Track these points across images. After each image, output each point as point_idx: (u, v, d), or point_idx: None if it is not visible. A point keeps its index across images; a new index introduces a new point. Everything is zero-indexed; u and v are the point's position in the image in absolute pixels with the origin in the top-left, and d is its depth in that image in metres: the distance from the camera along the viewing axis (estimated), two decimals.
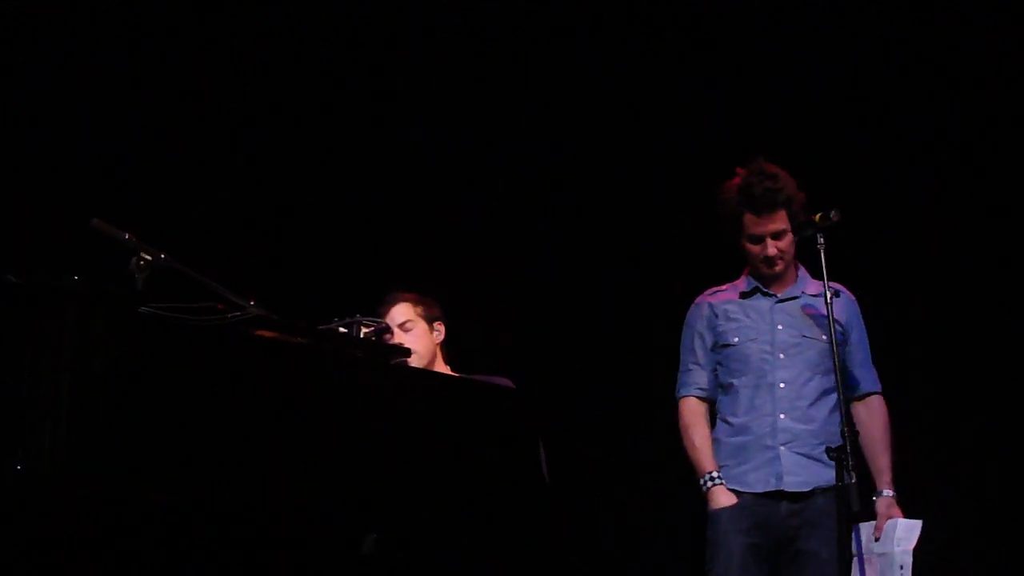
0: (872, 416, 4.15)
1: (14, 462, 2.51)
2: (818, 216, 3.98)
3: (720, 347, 4.20)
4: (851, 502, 3.65)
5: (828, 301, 3.92)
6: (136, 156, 5.27)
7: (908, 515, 4.01)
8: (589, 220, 5.60)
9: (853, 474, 3.65)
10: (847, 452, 3.68)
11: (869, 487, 4.05)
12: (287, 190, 5.49)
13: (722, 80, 5.52)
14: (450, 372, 4.27)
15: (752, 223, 4.11)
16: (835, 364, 3.88)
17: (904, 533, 3.93)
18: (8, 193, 4.97)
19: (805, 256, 4.19)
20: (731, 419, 4.16)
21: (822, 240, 3.95)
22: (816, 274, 4.06)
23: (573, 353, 5.50)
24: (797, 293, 4.19)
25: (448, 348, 4.36)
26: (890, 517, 3.98)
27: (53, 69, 5.24)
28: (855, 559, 3.91)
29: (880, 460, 4.09)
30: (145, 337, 2.73)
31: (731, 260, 4.37)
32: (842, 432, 3.75)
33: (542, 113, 5.65)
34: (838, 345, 4.00)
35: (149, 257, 2.98)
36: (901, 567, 3.91)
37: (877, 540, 3.96)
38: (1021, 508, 5.06)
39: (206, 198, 5.33)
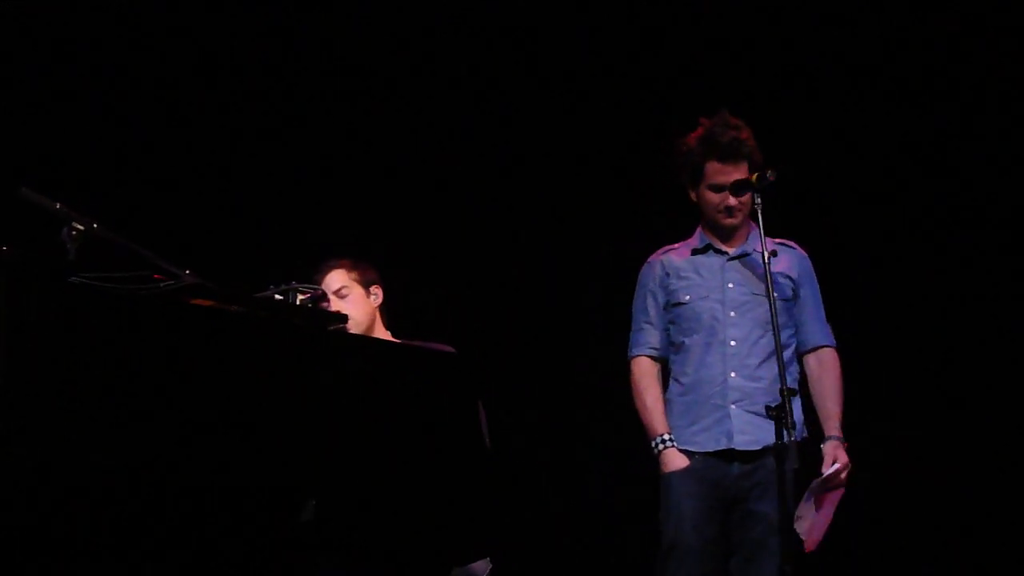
0: (824, 368, 4.17)
1: None
2: (755, 176, 4.00)
3: (672, 306, 4.20)
4: (791, 460, 3.67)
5: (766, 261, 3.93)
6: (66, 124, 5.19)
7: None
8: (531, 184, 5.59)
9: (793, 432, 3.68)
10: (786, 411, 3.70)
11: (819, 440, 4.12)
12: (221, 158, 5.42)
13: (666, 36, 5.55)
14: (390, 337, 4.25)
15: (715, 172, 4.10)
16: (773, 322, 3.89)
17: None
18: None
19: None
20: (682, 378, 4.16)
21: (759, 200, 3.97)
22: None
23: (516, 319, 5.50)
24: (749, 251, 4.19)
25: (389, 314, 4.34)
26: (836, 459, 4.01)
27: None
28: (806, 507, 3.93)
29: (830, 408, 4.12)
30: (77, 307, 2.68)
31: (672, 226, 4.39)
32: (781, 391, 3.76)
33: (481, 73, 5.62)
34: (784, 300, 4.08)
35: (81, 226, 2.93)
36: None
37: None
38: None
39: (139, 167, 5.27)
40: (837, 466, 3.97)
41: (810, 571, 3.95)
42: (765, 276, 3.93)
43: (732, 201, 4.09)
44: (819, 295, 4.23)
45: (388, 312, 4.32)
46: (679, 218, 4.45)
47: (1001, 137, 5.39)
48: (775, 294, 4.05)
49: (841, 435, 4.08)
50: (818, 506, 3.92)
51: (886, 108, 5.46)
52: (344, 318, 3.22)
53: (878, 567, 5.27)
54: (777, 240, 4.23)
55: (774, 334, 3.87)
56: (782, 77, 5.41)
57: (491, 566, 3.99)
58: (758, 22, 5.49)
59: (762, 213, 3.95)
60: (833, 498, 3.98)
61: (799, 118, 5.32)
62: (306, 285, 3.14)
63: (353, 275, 4.25)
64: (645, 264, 4.32)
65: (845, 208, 5.38)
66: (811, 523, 3.89)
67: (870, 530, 5.26)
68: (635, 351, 4.25)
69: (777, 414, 3.70)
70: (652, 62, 5.55)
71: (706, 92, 5.35)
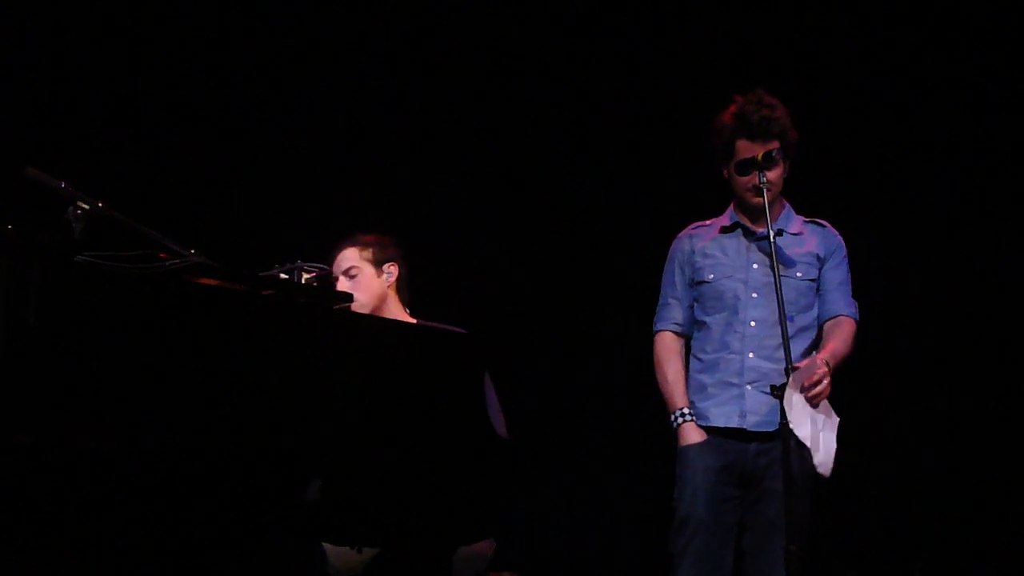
0: (837, 326, 4.11)
1: None
2: (760, 155, 3.99)
3: (696, 283, 4.18)
4: (794, 439, 3.66)
5: (772, 240, 3.91)
6: (71, 104, 5.19)
7: None
8: (542, 178, 5.59)
9: None
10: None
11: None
12: (230, 138, 5.42)
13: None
14: (406, 315, 4.22)
15: (745, 149, 4.06)
16: (779, 299, 3.87)
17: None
18: None
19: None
20: (701, 355, 4.15)
21: (765, 179, 3.95)
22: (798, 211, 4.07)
23: (532, 301, 5.50)
24: (777, 230, 4.12)
25: (410, 291, 4.29)
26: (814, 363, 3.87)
27: None
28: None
29: (827, 344, 4.05)
30: (82, 286, 2.69)
31: (673, 225, 4.39)
32: (786, 370, 3.75)
33: (499, 53, 5.61)
34: (812, 280, 4.08)
35: (86, 206, 2.95)
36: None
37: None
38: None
39: (145, 146, 5.27)
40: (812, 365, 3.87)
41: (813, 562, 3.93)
42: (771, 256, 3.90)
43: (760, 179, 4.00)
44: (847, 272, 4.18)
45: (409, 289, 4.27)
46: (682, 215, 4.45)
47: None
48: (800, 275, 4.05)
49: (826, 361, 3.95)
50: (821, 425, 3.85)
51: (886, 107, 5.44)
52: (349, 297, 3.22)
53: (878, 564, 5.27)
54: (808, 219, 4.22)
55: (780, 316, 3.85)
56: (786, 68, 5.39)
57: (495, 545, 4.00)
58: (759, 20, 5.48)
59: (768, 192, 3.94)
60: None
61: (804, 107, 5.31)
62: (312, 264, 3.14)
63: (365, 254, 4.19)
64: (675, 240, 4.30)
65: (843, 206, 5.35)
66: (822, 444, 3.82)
67: (871, 528, 5.26)
68: (659, 326, 4.25)
69: (780, 394, 3.68)
70: (652, 61, 5.54)
71: (707, 89, 5.35)
